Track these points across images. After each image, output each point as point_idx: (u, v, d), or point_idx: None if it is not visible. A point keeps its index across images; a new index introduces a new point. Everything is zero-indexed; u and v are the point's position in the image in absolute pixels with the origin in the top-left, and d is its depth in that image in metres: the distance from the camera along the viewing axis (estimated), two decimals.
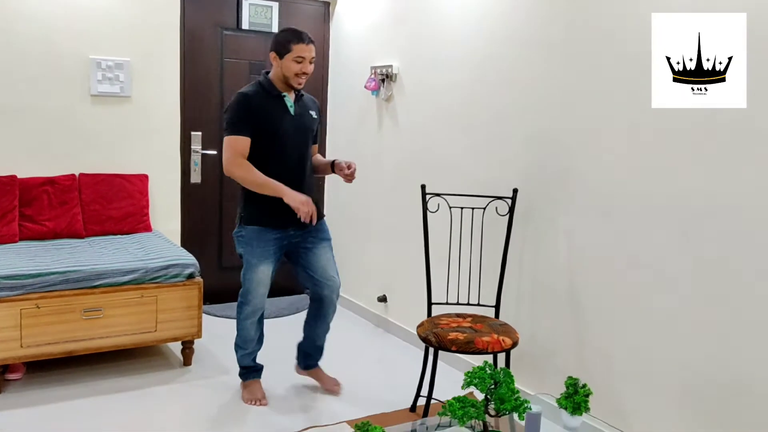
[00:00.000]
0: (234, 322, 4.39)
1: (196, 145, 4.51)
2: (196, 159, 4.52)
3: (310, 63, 3.00)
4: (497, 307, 3.19)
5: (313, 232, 3.15)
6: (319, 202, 3.17)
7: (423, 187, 3.12)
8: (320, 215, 3.18)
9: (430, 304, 3.16)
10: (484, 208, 3.20)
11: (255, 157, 2.97)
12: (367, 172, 4.28)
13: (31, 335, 3.15)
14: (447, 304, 3.25)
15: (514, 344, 2.86)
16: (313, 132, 3.18)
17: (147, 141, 4.27)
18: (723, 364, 2.44)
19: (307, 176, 3.13)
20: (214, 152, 4.58)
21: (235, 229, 3.13)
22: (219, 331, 4.14)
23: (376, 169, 4.36)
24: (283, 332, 4.20)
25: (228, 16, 4.57)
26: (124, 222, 4.06)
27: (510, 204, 3.13)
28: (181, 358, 3.65)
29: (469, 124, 3.62)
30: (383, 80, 4.26)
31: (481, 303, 3.25)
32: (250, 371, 3.30)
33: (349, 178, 3.09)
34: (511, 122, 3.34)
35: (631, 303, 2.77)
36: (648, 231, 2.68)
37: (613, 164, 2.81)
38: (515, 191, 3.13)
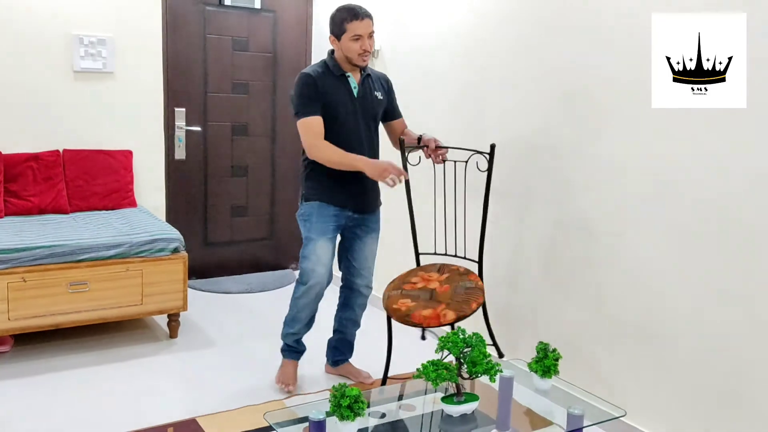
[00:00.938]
0: (217, 295, 4.49)
1: (180, 122, 4.54)
2: (180, 135, 4.55)
3: (370, 38, 2.87)
4: (480, 263, 3.15)
5: (369, 220, 3.10)
6: (376, 191, 3.11)
7: (401, 141, 3.11)
8: (378, 204, 3.14)
9: (417, 253, 3.19)
10: (466, 162, 3.13)
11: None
12: None
13: (18, 308, 3.21)
14: (435, 254, 3.26)
15: (459, 318, 2.78)
16: (379, 114, 3.06)
17: (130, 117, 4.28)
18: (691, 326, 2.54)
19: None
20: (198, 128, 4.61)
21: (297, 210, 3.07)
22: (204, 305, 4.22)
23: None
24: (269, 306, 4.28)
25: None
26: (109, 198, 4.10)
27: (488, 159, 3.05)
28: (168, 331, 3.72)
29: (451, 102, 3.68)
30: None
31: (467, 257, 3.24)
32: (291, 351, 3.19)
33: (438, 158, 3.00)
34: (491, 98, 3.40)
35: (603, 270, 2.86)
36: (625, 200, 2.77)
37: (597, 134, 2.89)
38: (492, 147, 3.03)
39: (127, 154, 4.22)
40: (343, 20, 2.85)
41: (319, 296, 3.06)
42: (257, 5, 4.69)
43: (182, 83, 4.53)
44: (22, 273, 3.21)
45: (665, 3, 2.54)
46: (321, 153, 2.86)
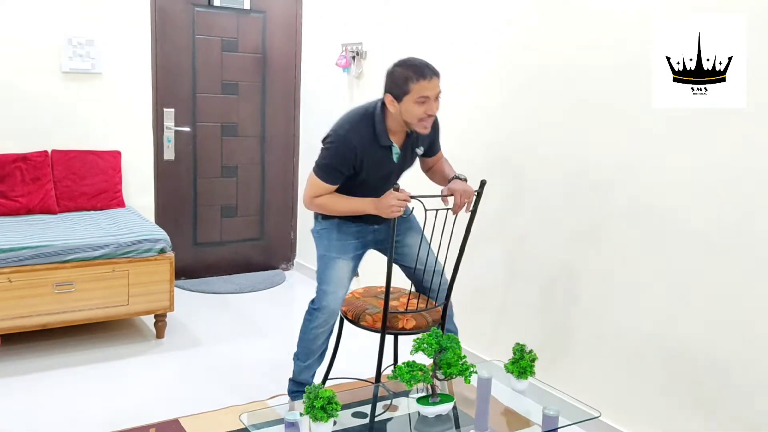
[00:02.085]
0: (206, 296, 4.49)
1: (169, 122, 4.55)
2: (169, 136, 4.56)
3: (436, 100, 2.45)
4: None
5: (400, 222, 2.68)
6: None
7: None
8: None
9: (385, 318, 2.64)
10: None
11: (338, 190, 2.63)
12: None
13: (4, 308, 3.22)
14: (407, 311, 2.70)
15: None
16: (407, 168, 2.75)
17: (119, 118, 4.30)
18: (668, 329, 2.55)
19: None
20: (188, 129, 4.62)
21: (312, 226, 2.81)
22: (192, 305, 4.23)
23: None
24: (258, 306, 4.29)
25: None
26: (97, 198, 4.11)
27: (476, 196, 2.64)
28: (154, 331, 3.73)
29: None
30: (354, 57, 4.30)
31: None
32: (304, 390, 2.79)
33: (456, 209, 2.57)
34: (476, 98, 3.42)
35: (581, 275, 2.88)
36: (601, 207, 2.78)
37: (596, 135, 2.90)
38: (483, 183, 2.65)
39: (116, 155, 4.23)
40: (407, 79, 2.41)
41: (334, 324, 2.80)
42: (246, 6, 4.70)
43: (171, 84, 4.54)
44: (8, 273, 3.22)
45: (666, 3, 2.52)
46: (322, 208, 2.64)
